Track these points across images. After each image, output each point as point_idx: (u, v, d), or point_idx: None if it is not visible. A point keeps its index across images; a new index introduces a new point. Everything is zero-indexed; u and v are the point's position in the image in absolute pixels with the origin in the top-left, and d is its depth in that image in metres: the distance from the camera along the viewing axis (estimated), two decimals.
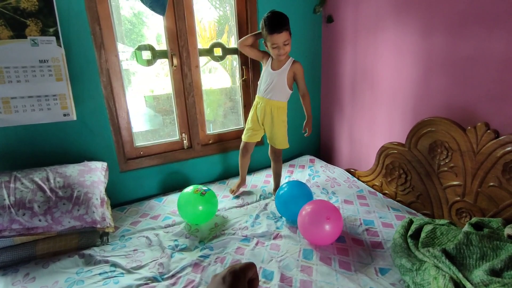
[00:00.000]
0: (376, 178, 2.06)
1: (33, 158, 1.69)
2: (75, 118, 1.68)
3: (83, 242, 1.52)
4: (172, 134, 2.20)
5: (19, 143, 1.65)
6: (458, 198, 1.59)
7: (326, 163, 2.41)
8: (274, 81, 1.83)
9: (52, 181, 1.53)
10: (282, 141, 1.96)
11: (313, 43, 2.42)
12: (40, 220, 1.42)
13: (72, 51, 1.67)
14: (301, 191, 1.70)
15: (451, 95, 1.59)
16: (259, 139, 2.03)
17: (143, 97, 3.53)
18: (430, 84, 1.68)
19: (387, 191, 1.99)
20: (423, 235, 1.39)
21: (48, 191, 1.48)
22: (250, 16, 2.13)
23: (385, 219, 1.67)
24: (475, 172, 1.49)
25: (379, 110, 2.03)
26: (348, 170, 2.28)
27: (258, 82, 1.92)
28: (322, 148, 2.70)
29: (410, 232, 1.44)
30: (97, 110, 1.80)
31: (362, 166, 2.26)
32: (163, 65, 2.37)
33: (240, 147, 2.01)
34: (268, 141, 2.02)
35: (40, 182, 1.50)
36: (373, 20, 1.96)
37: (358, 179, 2.17)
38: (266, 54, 1.87)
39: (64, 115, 1.65)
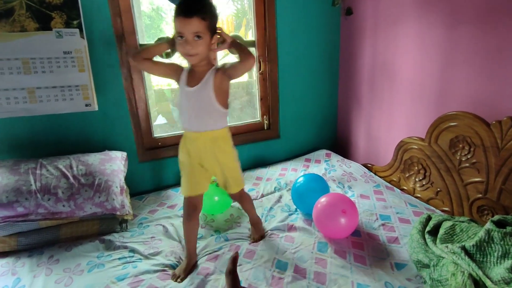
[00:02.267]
0: (394, 173, 2.02)
1: (57, 147, 1.75)
2: (96, 109, 1.73)
3: (104, 228, 1.57)
4: None
5: (44, 132, 1.72)
6: (480, 195, 1.54)
7: (342, 157, 2.39)
8: (195, 104, 1.27)
9: (75, 168, 1.59)
10: (236, 181, 1.44)
11: (331, 36, 2.39)
12: (63, 206, 1.48)
13: (94, 43, 1.71)
14: (318, 184, 1.69)
15: (475, 89, 1.54)
16: (207, 189, 1.44)
17: (162, 90, 3.61)
18: (453, 77, 1.63)
19: (405, 187, 1.96)
20: (441, 231, 1.36)
21: (71, 178, 1.54)
22: (268, 9, 2.12)
23: (402, 215, 1.64)
24: (499, 169, 1.44)
25: (398, 104, 1.99)
26: (365, 165, 2.25)
27: (177, 107, 1.37)
28: (338, 142, 2.67)
29: (428, 228, 1.41)
30: (117, 101, 1.84)
31: (380, 161, 2.22)
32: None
33: (183, 206, 1.39)
34: (219, 185, 1.49)
35: (64, 169, 1.56)
36: (394, 12, 1.91)
37: (375, 174, 2.14)
38: (178, 67, 1.34)
39: (86, 105, 1.70)
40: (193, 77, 1.29)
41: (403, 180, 1.97)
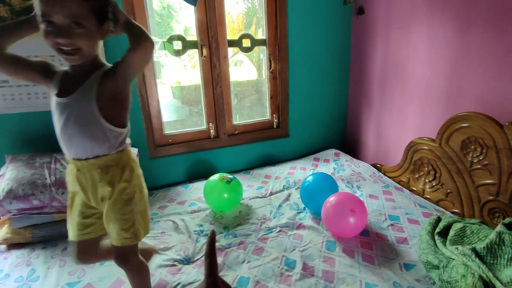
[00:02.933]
0: (403, 174, 2.01)
1: None
2: None
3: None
4: (200, 123, 2.25)
5: None
6: (492, 197, 1.52)
7: (351, 157, 2.38)
8: (70, 120, 0.91)
9: None
10: (128, 229, 1.01)
11: (342, 35, 2.38)
12: None
13: (109, 40, 1.73)
14: (327, 184, 1.70)
15: (488, 90, 1.52)
16: (102, 231, 1.08)
17: (171, 88, 3.63)
18: (465, 78, 1.61)
19: (414, 188, 1.95)
20: (452, 233, 1.36)
21: None
22: (279, 8, 2.12)
23: (411, 216, 1.63)
24: None
25: (409, 104, 1.98)
26: (374, 165, 2.24)
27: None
28: (347, 142, 2.66)
29: (437, 230, 1.40)
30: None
31: (389, 161, 2.21)
32: (190, 57, 2.42)
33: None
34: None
35: None
36: (406, 13, 1.90)
37: (384, 174, 2.13)
38: (48, 68, 0.96)
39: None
40: (69, 82, 0.91)
41: (412, 181, 1.96)
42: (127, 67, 0.92)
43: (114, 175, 0.98)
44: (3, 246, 1.44)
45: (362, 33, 2.29)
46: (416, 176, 1.92)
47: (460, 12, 1.59)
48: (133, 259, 1.06)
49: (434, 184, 1.81)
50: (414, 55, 1.89)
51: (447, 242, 1.32)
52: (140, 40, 0.89)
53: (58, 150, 1.67)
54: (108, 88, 0.91)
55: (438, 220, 1.47)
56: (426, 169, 1.83)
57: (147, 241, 1.47)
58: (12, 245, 1.45)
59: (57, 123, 0.93)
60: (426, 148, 1.81)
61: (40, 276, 1.28)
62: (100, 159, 0.95)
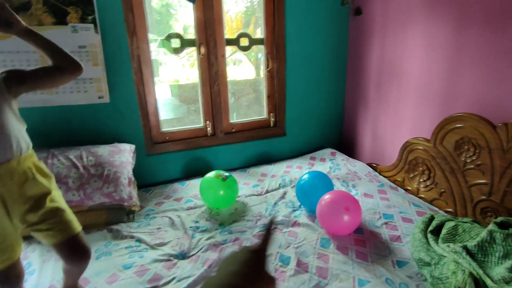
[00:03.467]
0: (398, 173, 2.03)
1: (68, 137, 1.80)
2: (108, 101, 1.77)
3: (111, 218, 1.61)
4: (197, 121, 2.26)
5: (56, 123, 1.77)
6: (484, 197, 1.54)
7: (347, 156, 2.40)
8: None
9: (85, 159, 1.63)
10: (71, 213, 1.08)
11: (339, 35, 2.40)
12: (73, 195, 1.52)
13: (107, 38, 1.75)
14: (322, 182, 1.71)
15: (482, 91, 1.54)
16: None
17: (169, 86, 3.64)
18: (460, 79, 1.64)
19: (409, 187, 1.97)
20: (444, 231, 1.38)
21: (81, 168, 1.59)
22: (277, 7, 2.14)
23: (405, 214, 1.65)
24: (504, 171, 1.44)
25: (405, 105, 2.00)
26: (369, 165, 2.26)
27: None
28: (344, 141, 2.68)
29: (430, 228, 1.42)
30: (127, 94, 1.88)
31: (385, 161, 2.23)
32: (188, 55, 2.43)
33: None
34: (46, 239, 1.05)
35: (74, 160, 1.60)
36: (403, 13, 1.92)
37: (379, 173, 2.15)
38: None
39: (99, 97, 1.74)
40: None
41: (407, 180, 1.98)
42: (41, 84, 0.97)
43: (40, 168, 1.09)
44: None
45: (359, 34, 2.31)
46: (411, 175, 1.94)
47: (456, 13, 1.61)
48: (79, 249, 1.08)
49: (428, 184, 1.83)
50: (410, 55, 1.91)
51: (439, 240, 1.34)
52: (73, 65, 0.95)
53: (56, 145, 1.69)
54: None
55: (431, 218, 1.49)
56: (421, 168, 1.86)
57: (145, 238, 1.49)
58: None
59: None
60: (421, 148, 1.83)
61: (36, 269, 1.29)
62: (28, 155, 1.05)
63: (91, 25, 1.65)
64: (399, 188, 1.96)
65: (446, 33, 1.68)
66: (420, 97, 1.88)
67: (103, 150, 1.72)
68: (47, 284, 1.22)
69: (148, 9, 1.91)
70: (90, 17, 1.65)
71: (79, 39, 1.64)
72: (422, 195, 1.87)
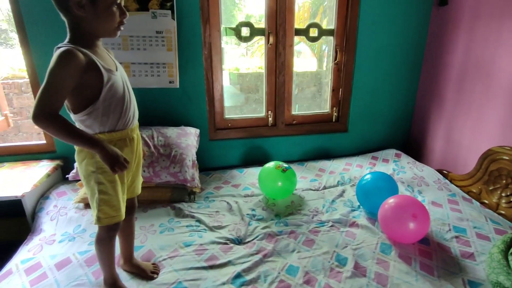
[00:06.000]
0: (475, 184, 1.83)
1: (142, 118, 1.91)
2: (178, 86, 1.86)
3: (175, 196, 1.71)
4: (258, 110, 2.28)
5: None
6: None
7: (414, 160, 2.23)
8: (129, 89, 1.08)
9: (155, 139, 1.74)
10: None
11: (418, 28, 2.20)
12: (144, 171, 1.64)
13: (182, 24, 1.83)
14: (386, 184, 1.62)
15: None
16: None
17: (228, 74, 3.71)
18: None
19: (486, 200, 1.76)
20: None
21: (152, 147, 1.70)
22: None
23: (480, 230, 1.49)
24: None
25: (491, 108, 1.78)
26: (439, 171, 2.07)
27: (107, 109, 0.98)
28: (411, 143, 2.49)
29: None
30: (196, 80, 1.96)
31: (458, 168, 2.03)
32: (250, 45, 2.43)
33: (110, 231, 1.11)
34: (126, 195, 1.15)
35: (146, 138, 1.73)
36: (499, 4, 1.68)
37: (450, 182, 1.96)
38: (80, 59, 0.89)
39: (170, 82, 1.84)
40: (105, 58, 0.99)
41: (485, 193, 1.77)
42: None
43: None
44: (81, 205, 1.62)
45: (441, 26, 2.10)
46: (491, 188, 1.73)
47: None
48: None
49: (511, 200, 1.62)
50: (504, 53, 1.68)
51: None
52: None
53: None
54: None
55: None
56: (504, 181, 1.65)
57: (204, 219, 1.55)
58: (88, 205, 1.63)
59: (122, 93, 1.02)
60: (507, 158, 1.62)
61: None
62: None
63: (169, 12, 1.73)
64: (473, 200, 1.77)
65: None
66: (511, 100, 1.65)
67: (172, 132, 1.82)
68: (119, 251, 1.33)
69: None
70: (168, 4, 1.72)
71: (157, 24, 1.73)
72: (503, 211, 1.67)
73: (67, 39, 0.94)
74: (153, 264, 1.28)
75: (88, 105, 0.95)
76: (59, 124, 0.86)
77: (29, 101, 2.94)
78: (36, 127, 2.54)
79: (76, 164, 1.08)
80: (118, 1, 0.93)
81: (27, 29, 1.65)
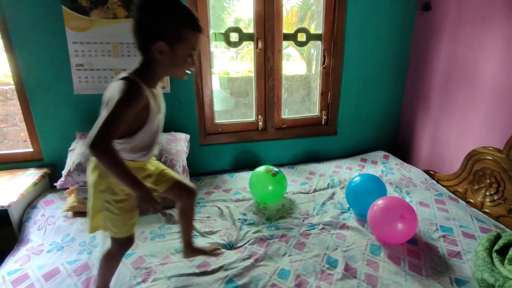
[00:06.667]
0: (460, 184, 1.88)
1: None
2: (169, 91, 1.86)
3: (166, 202, 1.69)
4: (247, 115, 2.29)
5: None
6: None
7: (402, 161, 2.27)
8: (160, 131, 1.11)
9: None
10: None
11: (403, 32, 2.25)
12: None
13: None
14: (375, 186, 1.64)
15: None
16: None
17: (218, 79, 3.71)
18: None
19: (471, 200, 1.81)
20: None
21: None
22: (339, 2, 2.06)
23: (466, 229, 1.52)
24: None
25: (475, 110, 1.83)
26: (426, 171, 2.12)
27: (137, 145, 1.02)
28: (399, 145, 2.54)
29: (496, 247, 1.30)
30: (186, 86, 1.96)
31: (444, 169, 2.08)
32: (239, 49, 2.45)
33: (120, 248, 1.14)
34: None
35: None
36: (482, 9, 1.74)
37: (437, 182, 2.01)
38: (142, 94, 0.92)
39: (161, 88, 1.83)
40: (155, 100, 1.01)
41: (470, 192, 1.82)
42: None
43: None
44: (70, 213, 1.60)
45: (426, 31, 2.15)
46: (476, 187, 1.78)
47: None
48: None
49: (495, 198, 1.67)
50: (486, 56, 1.74)
51: (506, 261, 1.22)
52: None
53: None
54: None
55: (498, 237, 1.36)
56: (488, 181, 1.69)
57: (195, 225, 1.55)
58: (78, 213, 1.61)
59: (155, 134, 1.06)
60: (491, 158, 1.67)
61: (99, 243, 1.41)
62: None
63: None
64: (459, 199, 1.81)
65: None
66: (495, 102, 1.70)
67: (162, 138, 1.81)
68: None
69: (211, 3, 1.95)
70: None
71: None
72: (487, 210, 1.71)
73: (134, 70, 0.96)
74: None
75: (123, 137, 0.97)
76: (114, 157, 0.87)
77: (15, 108, 2.88)
78: (22, 134, 2.47)
79: (86, 179, 1.09)
80: (193, 54, 0.98)
81: (12, 35, 1.63)
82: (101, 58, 1.69)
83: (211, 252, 1.35)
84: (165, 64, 0.96)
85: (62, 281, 1.21)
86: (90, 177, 1.05)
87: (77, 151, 1.65)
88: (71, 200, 1.62)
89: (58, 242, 1.43)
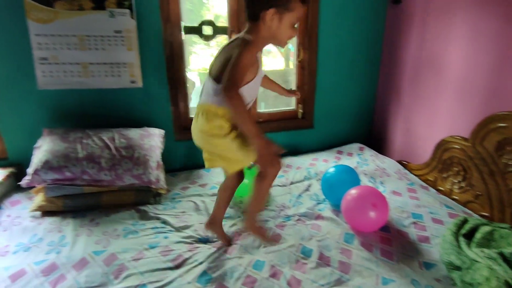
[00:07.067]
0: (431, 172, 1.94)
1: (102, 119, 1.87)
2: (141, 86, 1.82)
3: (139, 199, 1.67)
4: None
5: (92, 105, 1.85)
6: None
7: (376, 152, 2.32)
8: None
9: (117, 141, 1.69)
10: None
11: (375, 25, 2.30)
12: (105, 175, 1.59)
13: (142, 24, 1.79)
14: (349, 176, 1.67)
15: None
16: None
17: (197, 75, 3.68)
18: (508, 75, 1.52)
19: (441, 187, 1.87)
20: (478, 235, 1.30)
21: (113, 149, 1.65)
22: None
23: (435, 215, 1.58)
24: None
25: (443, 100, 1.89)
26: (400, 162, 2.18)
27: (250, 90, 1.17)
28: (373, 137, 2.60)
29: (463, 231, 1.35)
30: (159, 80, 1.92)
31: (416, 159, 2.14)
32: (218, 45, 2.43)
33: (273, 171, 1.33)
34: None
35: (107, 141, 1.67)
36: (448, 2, 1.80)
37: (410, 171, 2.07)
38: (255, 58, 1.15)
39: (132, 82, 1.79)
40: (259, 61, 1.21)
41: (440, 180, 1.89)
42: None
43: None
44: (38, 213, 1.54)
45: (396, 23, 2.20)
46: (444, 175, 1.84)
47: (507, 2, 1.49)
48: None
49: (463, 185, 1.73)
50: (452, 48, 1.80)
51: (472, 244, 1.27)
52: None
53: (90, 126, 1.76)
54: None
55: (465, 221, 1.41)
56: (456, 169, 1.76)
57: (170, 220, 1.53)
58: (46, 212, 1.55)
59: (256, 91, 1.24)
60: (458, 147, 1.73)
61: (69, 242, 1.37)
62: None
63: (127, 11, 1.69)
64: (430, 188, 1.87)
65: (495, 24, 1.55)
66: (461, 92, 1.77)
67: (134, 133, 1.77)
68: (80, 256, 1.28)
69: None
70: (127, 3, 1.68)
71: (115, 24, 1.68)
72: (456, 197, 1.78)
73: (249, 35, 1.09)
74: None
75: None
76: (243, 103, 1.02)
77: None
78: None
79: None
80: (296, 25, 1.13)
81: None
82: (67, 51, 1.63)
83: (230, 241, 1.41)
84: (272, 30, 1.10)
85: (28, 282, 1.16)
86: (209, 129, 1.22)
87: (44, 148, 1.59)
88: (38, 199, 1.56)
89: (25, 243, 1.37)
